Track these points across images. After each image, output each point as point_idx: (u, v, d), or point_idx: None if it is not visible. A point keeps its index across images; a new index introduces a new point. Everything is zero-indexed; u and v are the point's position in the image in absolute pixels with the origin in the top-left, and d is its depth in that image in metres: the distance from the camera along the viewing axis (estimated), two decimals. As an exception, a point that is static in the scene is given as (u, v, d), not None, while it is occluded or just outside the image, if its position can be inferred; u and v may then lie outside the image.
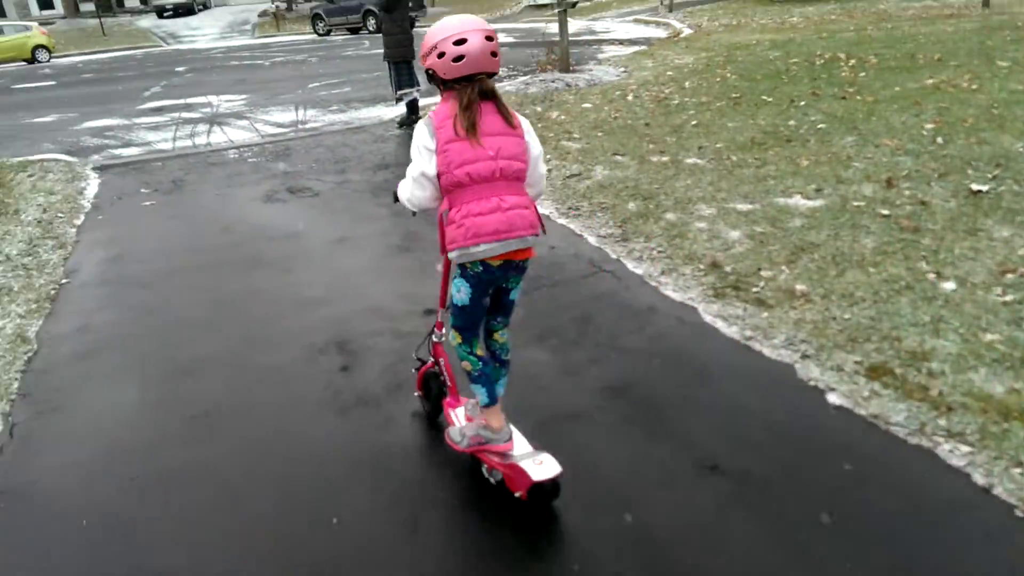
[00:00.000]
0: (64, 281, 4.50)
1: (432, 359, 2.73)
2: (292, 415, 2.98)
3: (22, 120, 11.34)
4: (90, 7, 36.81)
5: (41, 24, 28.77)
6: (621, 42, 15.77)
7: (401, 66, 8.16)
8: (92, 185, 6.77)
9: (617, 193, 5.30)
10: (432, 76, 2.15)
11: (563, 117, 7.74)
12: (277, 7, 33.07)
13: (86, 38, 30.93)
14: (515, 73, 12.07)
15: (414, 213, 2.36)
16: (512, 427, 2.43)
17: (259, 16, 35.05)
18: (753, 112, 7.09)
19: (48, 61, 25.61)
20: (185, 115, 10.55)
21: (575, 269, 4.22)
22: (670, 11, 21.04)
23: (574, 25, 21.99)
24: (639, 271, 4.09)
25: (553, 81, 9.47)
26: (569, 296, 3.89)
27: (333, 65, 16.34)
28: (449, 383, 2.70)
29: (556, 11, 9.55)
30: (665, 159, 5.94)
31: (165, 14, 36.89)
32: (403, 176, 2.27)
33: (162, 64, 19.84)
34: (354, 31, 27.21)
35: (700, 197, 4.99)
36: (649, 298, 3.77)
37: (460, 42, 2.05)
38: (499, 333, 2.50)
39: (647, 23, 19.83)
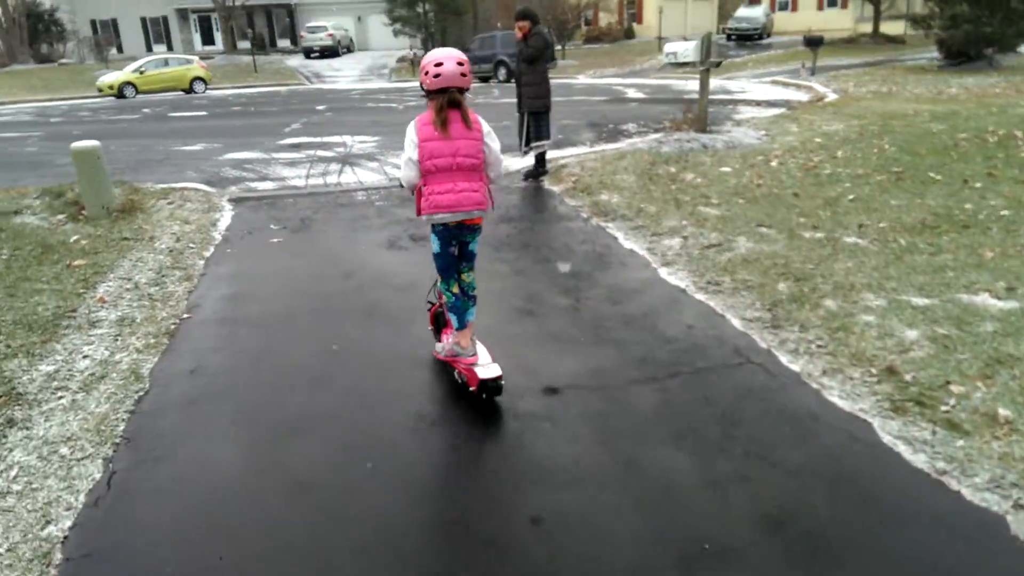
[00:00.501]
0: (185, 316, 4.46)
1: (438, 302, 3.70)
2: (398, 495, 2.66)
3: (172, 147, 12.07)
4: (246, 45, 39.87)
5: (202, 58, 31.34)
6: (759, 103, 15.16)
7: (541, 116, 8.02)
8: (226, 217, 6.92)
9: (764, 270, 4.78)
10: (421, 87, 3.08)
11: (699, 180, 7.29)
12: (415, 54, 34.56)
13: (239, 73, 33.40)
14: (646, 129, 11.75)
15: (412, 192, 3.23)
16: (478, 343, 3.47)
17: (397, 61, 36.75)
18: (920, 190, 6.38)
19: (203, 92, 27.73)
20: (320, 153, 10.87)
21: (717, 356, 3.74)
22: (812, 74, 20.18)
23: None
24: (795, 367, 3.56)
25: (688, 141, 9.06)
26: (711, 388, 3.42)
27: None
28: (447, 319, 3.56)
29: (700, 69, 9.17)
30: (819, 235, 5.36)
31: (312, 55, 39.37)
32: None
33: (304, 102, 20.93)
34: (484, 79, 27.92)
35: (865, 284, 4.39)
36: (810, 403, 3.24)
37: (439, 64, 3.00)
38: (466, 274, 3.51)
39: (786, 85, 19.07)
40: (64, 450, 3.02)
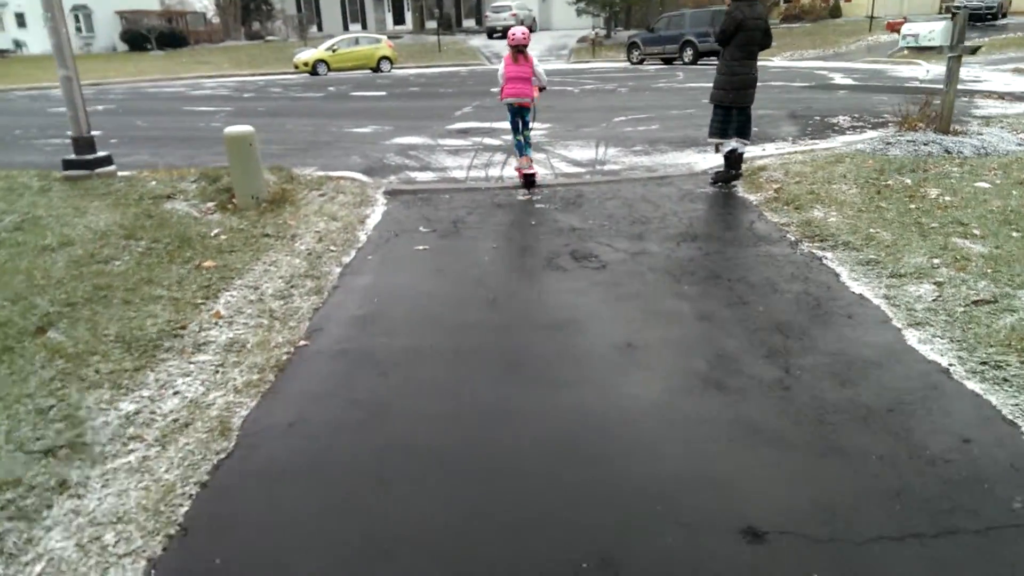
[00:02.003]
0: (302, 343, 3.79)
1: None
2: None
3: (344, 128, 11.92)
4: (434, 25, 40.60)
5: (390, 38, 32.16)
6: (1002, 96, 12.53)
7: (729, 111, 6.69)
8: (376, 213, 6.32)
9: (1073, 351, 3.30)
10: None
11: (949, 198, 5.66)
12: (596, 34, 33.36)
13: (425, 52, 33.99)
14: (862, 124, 9.89)
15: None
16: (533, 161, 7.21)
17: (577, 42, 35.73)
18: None
19: (389, 71, 28.38)
20: (486, 141, 10.17)
21: (1007, 491, 2.44)
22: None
23: (923, 70, 18.57)
24: None
25: (926, 143, 7.28)
26: (1003, 547, 2.16)
27: (642, 98, 15.32)
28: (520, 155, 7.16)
29: (948, 55, 7.33)
30: None
31: (495, 35, 39.32)
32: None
33: (480, 83, 20.54)
34: (667, 61, 26.19)
35: None
36: None
37: (512, 36, 6.79)
38: (523, 132, 7.09)
39: (1037, 73, 15.85)
40: (109, 536, 2.38)
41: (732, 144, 6.76)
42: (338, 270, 4.91)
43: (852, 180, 6.34)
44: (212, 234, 5.50)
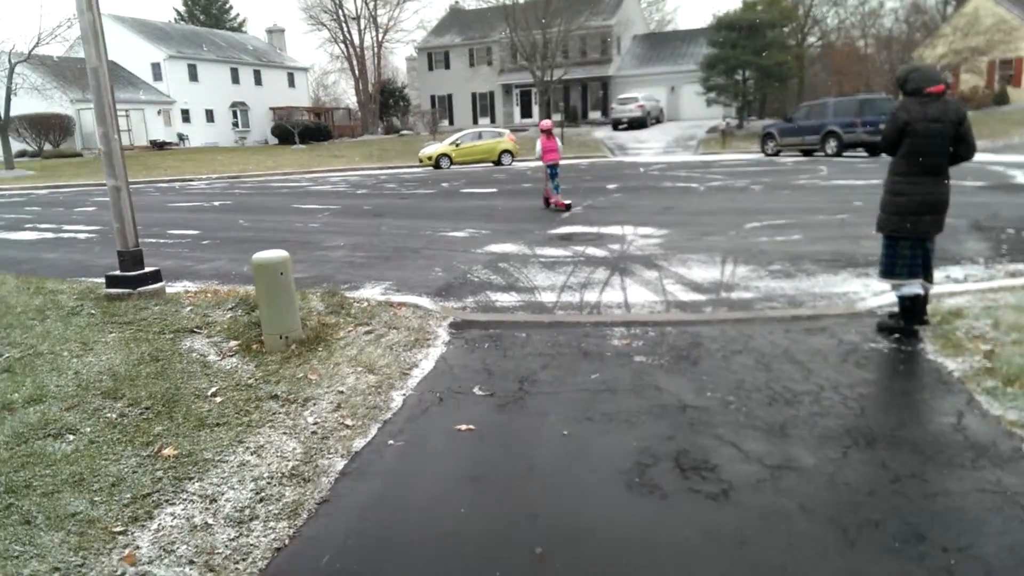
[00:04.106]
0: (221, 634, 2.38)
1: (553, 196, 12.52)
2: None
3: (439, 231, 10.93)
4: (560, 117, 40.53)
5: (515, 131, 32.13)
6: None
7: (898, 241, 4.90)
8: (428, 361, 4.96)
9: None
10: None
11: None
12: (727, 124, 31.79)
13: (547, 145, 33.65)
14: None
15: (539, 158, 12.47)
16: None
17: (707, 132, 34.27)
18: None
19: (509, 164, 28.06)
20: (590, 251, 8.75)
21: None
22: None
23: None
24: None
25: None
26: None
27: (780, 198, 13.47)
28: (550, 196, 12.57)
29: None
30: None
31: (620, 127, 38.66)
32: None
33: (598, 178, 19.41)
34: (807, 153, 24.09)
35: None
36: None
37: (541, 125, 13.22)
38: (556, 182, 12.62)
39: None
40: None
41: (914, 287, 4.91)
42: (340, 465, 3.52)
43: (1108, 343, 4.30)
44: (210, 393, 4.31)
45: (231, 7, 66.98)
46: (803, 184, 15.48)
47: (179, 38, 50.21)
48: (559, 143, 12.77)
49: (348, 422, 3.97)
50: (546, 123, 12.85)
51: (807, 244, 8.58)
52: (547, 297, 6.71)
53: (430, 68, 51.63)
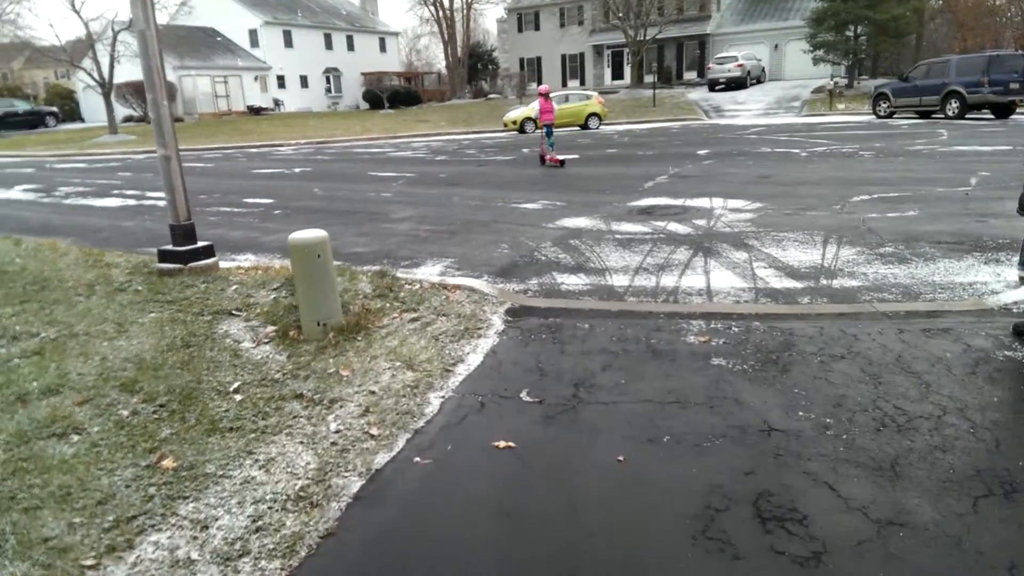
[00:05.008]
0: None
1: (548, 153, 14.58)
2: None
3: (511, 203, 10.33)
4: (651, 79, 38.79)
5: (606, 93, 30.91)
6: None
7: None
8: (476, 355, 4.43)
9: None
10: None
11: None
12: (835, 83, 29.38)
13: (637, 107, 32.27)
14: None
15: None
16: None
17: (812, 92, 31.92)
18: None
19: (597, 128, 27.01)
20: (672, 227, 7.95)
21: None
22: None
23: None
24: None
25: None
26: None
27: (893, 166, 12.09)
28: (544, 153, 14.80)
29: None
30: None
31: (717, 87, 36.60)
32: None
33: (688, 143, 18.23)
34: (924, 115, 21.89)
35: None
36: None
37: (541, 88, 15.76)
38: (551, 140, 14.76)
39: None
40: None
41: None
42: (356, 487, 3.04)
43: None
44: (232, 389, 3.94)
45: (325, -28, 67.62)
46: (920, 150, 13.90)
47: (275, 3, 51.06)
48: (555, 105, 15.59)
49: (374, 431, 3.49)
50: (544, 87, 15.55)
51: (924, 222, 7.48)
52: (618, 280, 6.03)
53: (519, 29, 50.57)
